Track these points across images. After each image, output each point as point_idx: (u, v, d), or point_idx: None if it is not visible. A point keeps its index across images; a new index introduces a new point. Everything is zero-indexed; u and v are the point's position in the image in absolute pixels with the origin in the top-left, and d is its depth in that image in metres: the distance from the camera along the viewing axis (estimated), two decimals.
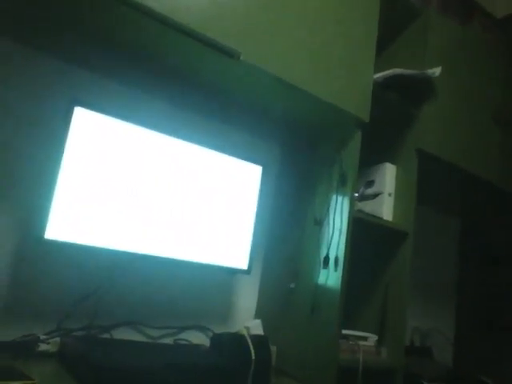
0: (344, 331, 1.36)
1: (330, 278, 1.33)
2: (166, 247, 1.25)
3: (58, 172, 1.08)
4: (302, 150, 1.61)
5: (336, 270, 1.32)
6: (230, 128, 1.59)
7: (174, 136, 1.30)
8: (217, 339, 1.22)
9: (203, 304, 1.47)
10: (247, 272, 1.41)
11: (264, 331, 1.41)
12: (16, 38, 1.20)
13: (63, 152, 1.09)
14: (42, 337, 1.08)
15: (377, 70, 1.49)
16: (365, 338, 1.43)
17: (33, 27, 1.14)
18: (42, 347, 1.04)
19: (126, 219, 1.19)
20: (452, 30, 1.76)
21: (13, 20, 1.12)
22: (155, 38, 1.11)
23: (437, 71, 1.60)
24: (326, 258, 1.35)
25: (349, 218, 1.34)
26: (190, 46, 1.11)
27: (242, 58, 1.14)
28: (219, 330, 1.44)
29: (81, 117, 1.13)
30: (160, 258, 1.24)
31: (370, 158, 1.66)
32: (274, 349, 1.38)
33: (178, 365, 1.00)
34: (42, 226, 1.05)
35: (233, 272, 1.42)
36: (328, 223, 1.39)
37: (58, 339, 1.08)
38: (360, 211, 1.44)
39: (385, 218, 1.54)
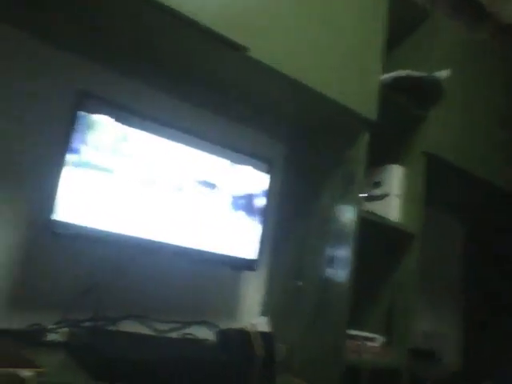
0: (350, 331, 1.35)
1: (337, 277, 1.32)
2: (175, 235, 1.26)
3: (64, 160, 1.09)
4: (309, 148, 1.61)
5: (343, 269, 1.32)
6: (237, 125, 1.59)
7: (183, 132, 1.31)
8: (223, 335, 1.21)
9: (210, 299, 1.47)
10: (255, 263, 1.41)
11: (270, 328, 1.41)
12: (22, 29, 1.21)
13: (71, 138, 1.10)
14: (50, 326, 1.08)
15: (385, 71, 1.49)
16: (371, 339, 1.42)
17: (37, 19, 1.16)
18: (50, 337, 1.04)
19: (136, 206, 1.20)
20: (460, 34, 1.77)
21: (21, 10, 1.13)
22: (162, 31, 1.12)
23: (444, 74, 1.60)
24: (333, 258, 1.35)
25: (356, 217, 1.34)
26: (198, 39, 1.12)
27: (249, 53, 1.14)
28: (225, 325, 1.43)
29: (88, 107, 1.14)
30: (168, 245, 1.25)
31: (377, 159, 1.66)
32: (279, 346, 1.37)
33: (184, 359, 1.00)
34: (50, 210, 1.07)
35: (241, 263, 1.41)
36: (335, 222, 1.39)
37: (65, 329, 1.08)
38: (367, 212, 1.44)
39: (391, 219, 1.54)
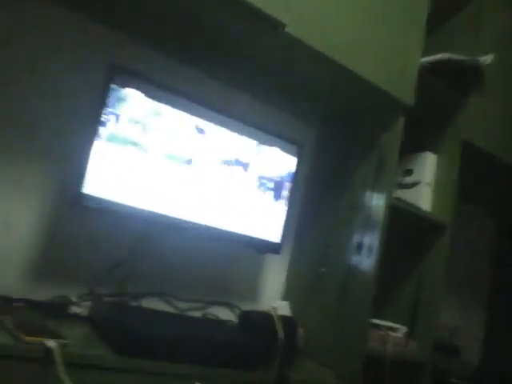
0: (373, 320, 1.33)
1: (363, 265, 1.29)
2: (201, 215, 1.25)
3: (95, 133, 1.08)
4: (340, 131, 1.57)
5: (369, 257, 1.28)
6: (268, 106, 1.56)
7: (213, 110, 1.28)
8: (245, 316, 1.21)
9: (232, 281, 1.47)
10: (279, 247, 1.39)
11: (291, 313, 1.40)
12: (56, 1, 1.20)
13: (102, 112, 1.09)
14: (74, 299, 1.09)
15: (425, 54, 1.42)
16: (394, 329, 1.40)
17: None
18: (74, 309, 1.05)
19: (165, 183, 1.19)
20: (507, 17, 1.67)
21: None
22: (198, 6, 1.08)
23: (488, 59, 1.52)
24: (360, 245, 1.32)
25: (386, 204, 1.30)
26: (234, 14, 1.08)
27: (286, 29, 1.10)
28: (246, 307, 1.44)
29: (120, 81, 1.12)
30: (194, 224, 1.23)
31: (410, 146, 1.60)
32: (300, 331, 1.36)
33: (207, 338, 0.99)
34: (79, 183, 1.06)
35: (265, 246, 1.38)
36: (364, 209, 1.35)
37: (89, 303, 1.09)
38: (398, 199, 1.40)
39: (422, 208, 1.49)
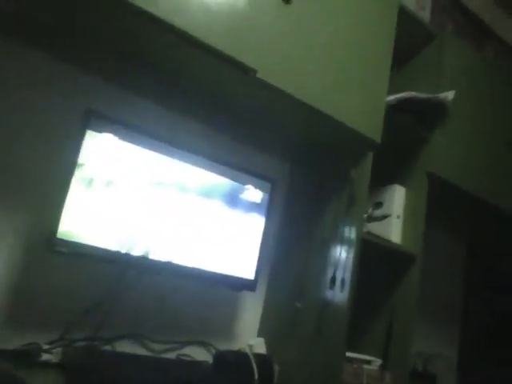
0: (348, 354, 1.34)
1: (336, 299, 1.31)
2: (174, 254, 1.25)
3: (69, 178, 1.09)
4: (312, 168, 1.61)
5: (342, 291, 1.30)
6: (240, 144, 1.59)
7: (187, 151, 1.30)
8: (220, 357, 1.20)
9: (207, 319, 1.46)
10: (254, 284, 1.40)
11: (266, 350, 1.40)
12: (33, 47, 1.22)
13: (77, 157, 1.10)
14: (45, 346, 1.06)
15: (390, 92, 1.49)
16: (369, 362, 1.41)
17: (48, 35, 1.16)
18: (45, 357, 1.03)
19: (137, 225, 1.19)
20: (466, 55, 1.76)
21: (29, 26, 1.13)
22: (170, 50, 1.13)
23: (450, 95, 1.60)
24: (333, 279, 1.34)
25: (357, 239, 1.33)
26: (206, 60, 1.12)
27: (257, 75, 1.14)
28: (222, 346, 1.43)
29: (96, 126, 1.13)
30: (166, 263, 1.23)
31: (379, 179, 1.66)
32: (276, 368, 1.36)
33: (182, 382, 0.98)
34: (54, 228, 1.06)
35: (240, 283, 1.39)
36: (336, 243, 1.38)
37: (60, 349, 1.07)
38: (369, 233, 1.43)
39: (393, 240, 1.53)
